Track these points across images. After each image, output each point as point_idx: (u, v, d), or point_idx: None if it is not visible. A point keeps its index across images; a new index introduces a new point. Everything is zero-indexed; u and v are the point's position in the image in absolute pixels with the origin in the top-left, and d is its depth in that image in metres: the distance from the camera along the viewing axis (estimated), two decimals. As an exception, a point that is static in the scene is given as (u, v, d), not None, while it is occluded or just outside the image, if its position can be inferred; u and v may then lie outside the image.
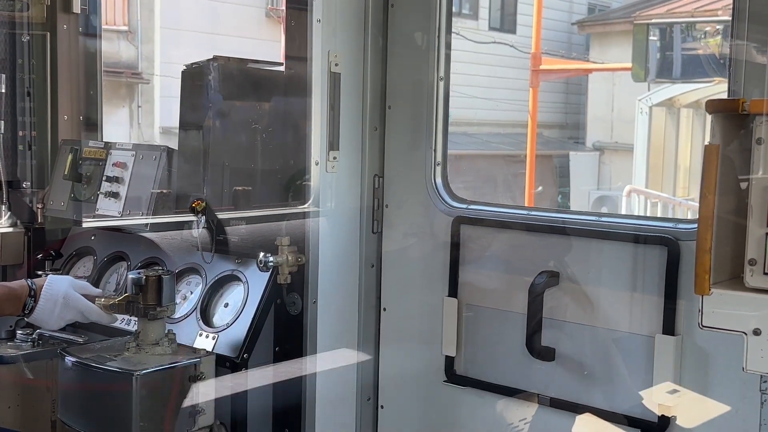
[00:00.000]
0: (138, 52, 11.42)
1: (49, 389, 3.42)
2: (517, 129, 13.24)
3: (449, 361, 2.99)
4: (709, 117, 1.98)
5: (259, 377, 2.92)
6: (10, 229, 3.52)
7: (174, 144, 3.43)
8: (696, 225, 1.98)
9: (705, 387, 2.48)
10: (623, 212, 10.08)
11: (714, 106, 1.97)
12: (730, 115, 1.95)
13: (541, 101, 12.46)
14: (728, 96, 2.35)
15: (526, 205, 10.89)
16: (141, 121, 11.45)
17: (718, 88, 9.76)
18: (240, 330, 2.86)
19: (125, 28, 11.21)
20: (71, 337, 3.07)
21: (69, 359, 2.71)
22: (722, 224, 1.94)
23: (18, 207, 3.57)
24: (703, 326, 1.98)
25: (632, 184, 10.75)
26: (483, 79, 13.00)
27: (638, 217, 3.51)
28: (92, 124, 3.76)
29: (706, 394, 2.48)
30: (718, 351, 2.44)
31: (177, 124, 3.42)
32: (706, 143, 1.94)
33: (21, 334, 3.13)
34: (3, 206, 3.54)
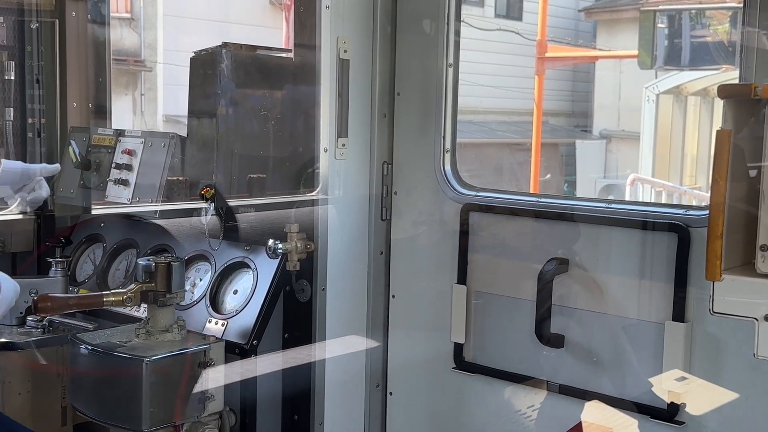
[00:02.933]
0: (141, 39, 11.37)
1: (60, 375, 3.44)
2: (524, 117, 13.18)
3: (458, 348, 2.99)
4: (717, 104, 1.97)
5: (268, 364, 2.93)
6: (20, 216, 3.53)
7: (178, 131, 3.43)
8: (707, 211, 1.98)
9: (715, 374, 2.48)
10: (629, 201, 10.00)
11: (726, 91, 1.96)
12: (742, 101, 1.95)
13: (548, 89, 12.41)
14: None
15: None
16: (144, 110, 11.42)
17: (725, 76, 9.70)
18: (249, 317, 2.87)
19: (128, 15, 11.17)
20: (81, 323, 3.08)
21: (79, 345, 2.71)
22: (734, 210, 1.93)
23: (28, 194, 3.57)
24: (714, 312, 1.98)
25: (636, 173, 10.70)
26: (489, 66, 12.93)
27: (648, 204, 3.50)
28: (101, 112, 3.76)
29: (716, 381, 2.48)
30: (729, 337, 2.44)
31: (181, 112, 3.41)
32: (718, 128, 1.93)
33: (31, 320, 3.14)
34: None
